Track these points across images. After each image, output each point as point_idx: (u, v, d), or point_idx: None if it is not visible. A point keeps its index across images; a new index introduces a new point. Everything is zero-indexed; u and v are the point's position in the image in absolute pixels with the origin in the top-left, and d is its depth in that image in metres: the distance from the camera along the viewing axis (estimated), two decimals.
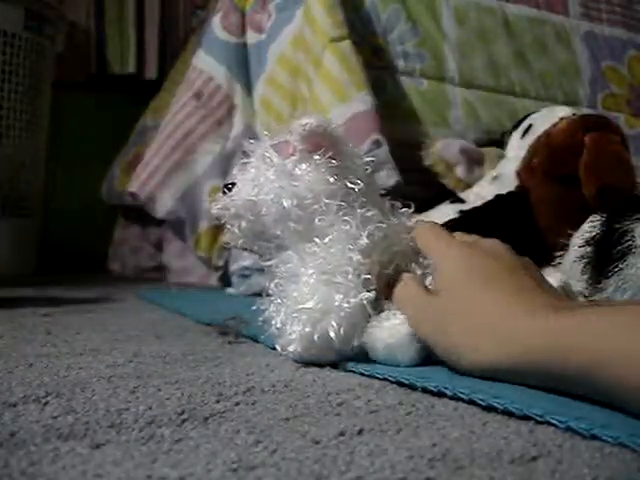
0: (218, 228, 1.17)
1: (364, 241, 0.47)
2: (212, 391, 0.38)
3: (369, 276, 0.46)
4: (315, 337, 0.44)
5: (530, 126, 0.92)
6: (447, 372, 0.41)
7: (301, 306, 0.45)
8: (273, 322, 0.48)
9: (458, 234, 0.49)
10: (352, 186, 0.49)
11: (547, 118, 0.91)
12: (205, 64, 1.20)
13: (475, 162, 0.97)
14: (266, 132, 0.53)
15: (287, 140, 0.50)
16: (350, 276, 0.46)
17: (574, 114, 0.90)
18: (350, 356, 0.45)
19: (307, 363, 0.46)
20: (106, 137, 1.63)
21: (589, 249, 0.53)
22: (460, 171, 0.96)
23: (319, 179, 0.48)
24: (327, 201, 0.48)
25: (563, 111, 0.91)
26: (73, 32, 1.74)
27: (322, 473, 0.25)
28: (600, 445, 0.28)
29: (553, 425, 0.30)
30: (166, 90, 1.52)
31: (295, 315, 0.46)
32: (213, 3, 1.40)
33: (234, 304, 0.88)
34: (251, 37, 1.19)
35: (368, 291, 0.46)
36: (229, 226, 0.52)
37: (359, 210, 0.48)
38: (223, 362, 0.48)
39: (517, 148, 0.92)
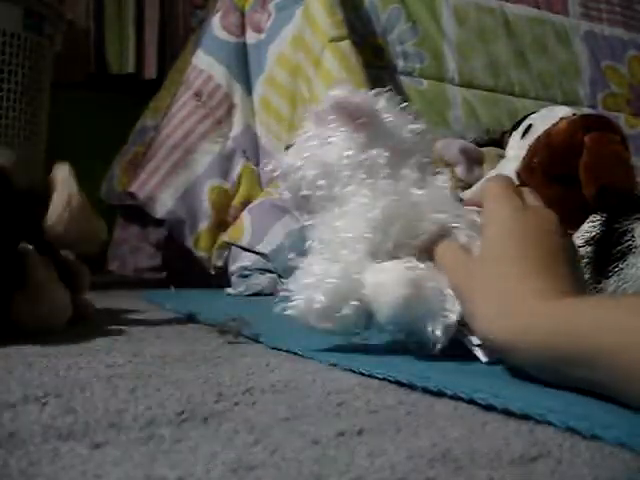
0: (218, 228, 1.17)
1: (375, 214, 0.47)
2: (212, 391, 0.38)
3: (373, 250, 0.46)
4: (305, 307, 0.46)
5: (530, 126, 0.92)
6: (447, 372, 0.41)
7: (301, 276, 0.47)
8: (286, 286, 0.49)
9: (525, 191, 0.48)
10: (377, 158, 0.49)
11: (547, 118, 0.91)
12: (205, 64, 1.20)
13: (475, 162, 0.97)
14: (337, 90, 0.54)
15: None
16: (351, 249, 0.46)
17: (574, 114, 0.90)
18: (346, 325, 0.46)
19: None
20: (106, 137, 1.63)
21: (589, 249, 0.53)
22: (460, 171, 0.96)
23: (343, 150, 0.49)
24: (347, 172, 0.49)
25: (563, 111, 0.91)
26: (73, 32, 1.74)
27: (322, 473, 0.25)
28: (600, 445, 0.28)
29: (553, 425, 0.30)
30: (166, 90, 1.52)
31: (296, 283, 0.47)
32: (213, 3, 1.40)
33: (234, 304, 0.88)
34: (250, 37, 1.19)
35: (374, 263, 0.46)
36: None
37: (380, 182, 0.48)
38: (223, 362, 0.48)
39: (517, 148, 0.92)
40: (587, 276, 0.52)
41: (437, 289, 0.45)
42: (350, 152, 0.49)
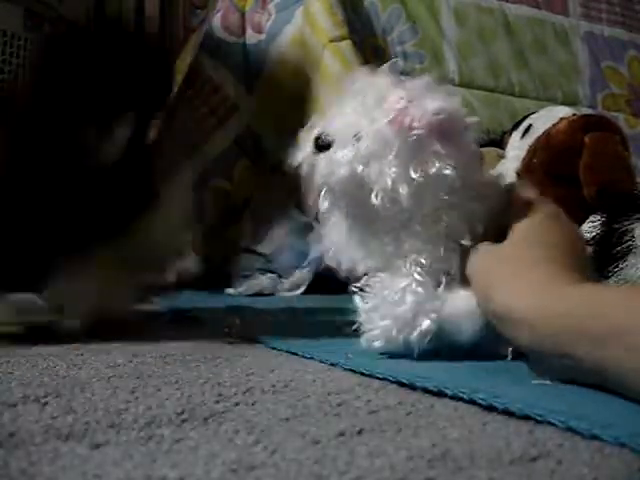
0: (218, 228, 1.17)
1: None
2: (212, 391, 0.38)
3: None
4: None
5: (530, 126, 0.92)
6: (447, 372, 0.41)
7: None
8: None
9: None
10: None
11: (547, 118, 0.91)
12: (205, 64, 1.20)
13: None
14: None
15: None
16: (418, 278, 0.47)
17: (574, 114, 0.90)
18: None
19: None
20: None
21: (589, 249, 0.53)
22: None
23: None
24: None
25: (563, 111, 0.91)
26: None
27: (322, 473, 0.25)
28: (600, 445, 0.28)
29: (553, 425, 0.30)
30: None
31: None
32: (213, 3, 1.40)
33: (234, 304, 0.88)
34: (251, 37, 1.19)
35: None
36: None
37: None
38: (223, 362, 0.48)
39: (517, 148, 0.92)
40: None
41: None
42: None
